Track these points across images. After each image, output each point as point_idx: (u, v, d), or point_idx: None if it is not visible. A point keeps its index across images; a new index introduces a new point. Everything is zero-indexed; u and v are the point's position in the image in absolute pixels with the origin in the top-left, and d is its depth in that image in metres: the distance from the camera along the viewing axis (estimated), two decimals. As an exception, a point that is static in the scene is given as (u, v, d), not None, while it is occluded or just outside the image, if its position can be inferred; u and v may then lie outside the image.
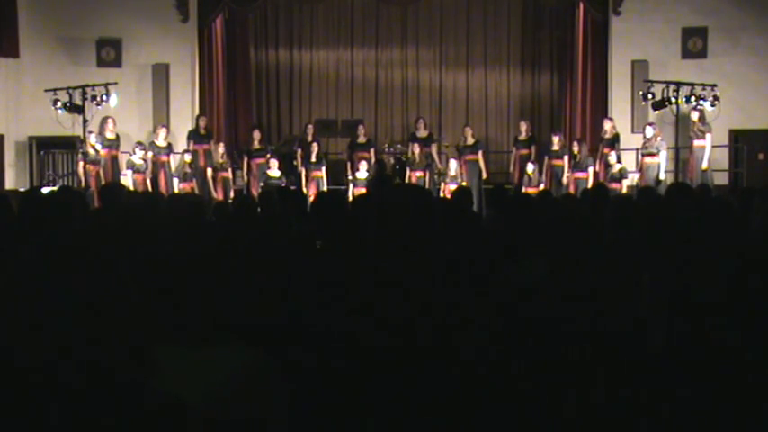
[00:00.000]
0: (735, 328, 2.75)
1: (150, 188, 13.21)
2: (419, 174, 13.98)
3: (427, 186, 13.37)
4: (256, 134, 14.47)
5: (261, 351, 1.85)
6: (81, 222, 4.96)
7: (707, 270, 3.02)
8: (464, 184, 12.95)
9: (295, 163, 14.42)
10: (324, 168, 14.15)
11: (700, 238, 3.58)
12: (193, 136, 14.28)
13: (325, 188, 13.70)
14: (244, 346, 1.81)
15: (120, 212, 5.36)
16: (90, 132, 13.28)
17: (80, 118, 13.09)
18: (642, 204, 5.61)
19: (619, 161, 13.38)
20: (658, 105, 13.53)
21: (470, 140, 14.38)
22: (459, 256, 3.20)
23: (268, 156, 14.12)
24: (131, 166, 13.44)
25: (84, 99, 13.05)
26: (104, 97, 13.40)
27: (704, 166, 13.15)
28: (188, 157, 13.68)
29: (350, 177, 14.04)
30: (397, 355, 2.29)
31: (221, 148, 14.09)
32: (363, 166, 13.78)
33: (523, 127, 14.66)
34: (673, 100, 13.07)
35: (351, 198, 13.27)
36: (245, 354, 1.80)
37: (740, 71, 14.59)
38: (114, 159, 13.70)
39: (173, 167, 13.95)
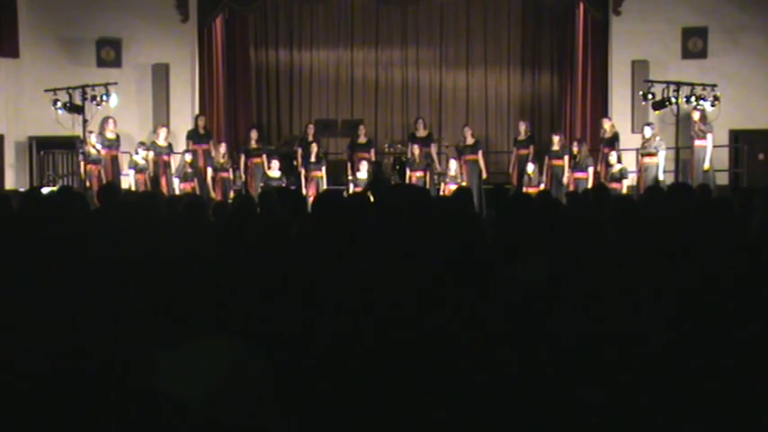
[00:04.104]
0: (735, 328, 2.75)
1: (151, 188, 13.22)
2: (419, 174, 13.98)
3: (427, 186, 13.37)
4: (254, 134, 14.48)
5: (259, 351, 1.85)
6: (81, 222, 4.96)
7: (707, 270, 3.02)
8: (464, 184, 12.96)
9: (295, 163, 14.42)
10: (324, 168, 14.15)
11: (700, 238, 3.58)
12: (193, 136, 14.28)
13: (324, 188, 13.69)
14: (243, 346, 1.81)
15: (120, 212, 5.36)
16: (91, 132, 13.29)
17: (80, 118, 13.08)
18: (649, 203, 5.61)
19: (619, 161, 13.39)
20: (658, 105, 13.53)
21: (470, 140, 14.37)
22: (458, 257, 3.20)
23: (265, 155, 14.12)
24: (134, 165, 13.45)
25: (84, 99, 13.04)
26: (104, 97, 13.39)
27: (706, 166, 13.16)
28: (189, 157, 13.69)
29: (350, 177, 14.03)
30: (397, 355, 2.29)
31: (223, 148, 14.09)
32: (364, 166, 13.78)
33: (522, 127, 14.66)
34: (673, 100, 13.06)
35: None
36: (244, 353, 1.80)
37: (740, 71, 14.59)
38: (114, 159, 13.72)
39: (174, 168, 13.96)
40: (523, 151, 14.37)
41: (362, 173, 13.73)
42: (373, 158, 14.45)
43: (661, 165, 13.27)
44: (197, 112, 15.08)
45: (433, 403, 2.26)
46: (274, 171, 13.75)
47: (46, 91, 13.40)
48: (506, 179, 14.79)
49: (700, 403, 2.58)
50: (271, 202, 6.18)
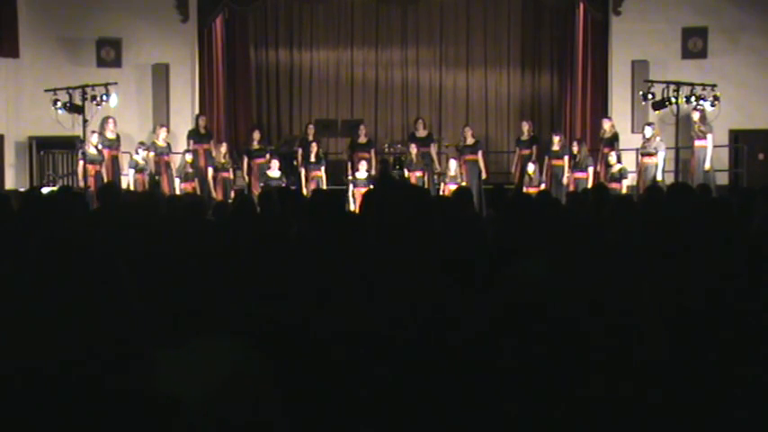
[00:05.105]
0: (735, 328, 2.75)
1: (147, 188, 13.22)
2: (418, 174, 13.98)
3: (426, 186, 13.36)
4: (256, 134, 14.48)
5: (259, 350, 1.85)
6: (81, 222, 4.96)
7: (707, 270, 3.02)
8: (464, 184, 12.95)
9: (295, 163, 14.42)
10: (323, 168, 14.16)
11: (700, 239, 3.58)
12: (193, 136, 14.29)
13: (323, 188, 13.67)
14: (242, 345, 1.81)
15: (120, 212, 5.36)
16: (93, 132, 13.29)
17: (80, 118, 13.09)
18: (648, 203, 5.60)
19: (619, 161, 13.38)
20: (658, 105, 13.53)
21: (470, 140, 14.38)
22: (458, 256, 3.20)
23: (268, 156, 14.12)
24: (135, 165, 13.45)
25: (84, 99, 13.04)
26: (104, 97, 13.39)
27: (707, 166, 13.15)
28: (189, 157, 13.69)
29: (350, 177, 14.04)
30: (396, 355, 2.29)
31: (224, 148, 14.09)
32: (363, 166, 13.77)
33: (525, 127, 14.68)
34: (673, 100, 13.06)
35: (352, 198, 13.35)
36: (243, 353, 1.80)
37: (740, 71, 14.59)
38: (114, 159, 13.71)
39: (174, 168, 13.96)
40: (526, 151, 14.37)
41: (362, 172, 13.73)
42: (373, 158, 14.45)
43: (660, 165, 13.26)
44: (197, 112, 15.08)
45: (432, 403, 2.26)
46: (274, 171, 13.75)
47: (46, 91, 13.40)
48: (506, 179, 14.79)
49: (700, 403, 2.58)
50: (271, 202, 6.18)
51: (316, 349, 2.34)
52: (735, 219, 4.76)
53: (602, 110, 15.20)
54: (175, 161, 14.13)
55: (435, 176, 14.29)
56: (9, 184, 14.75)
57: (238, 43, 16.64)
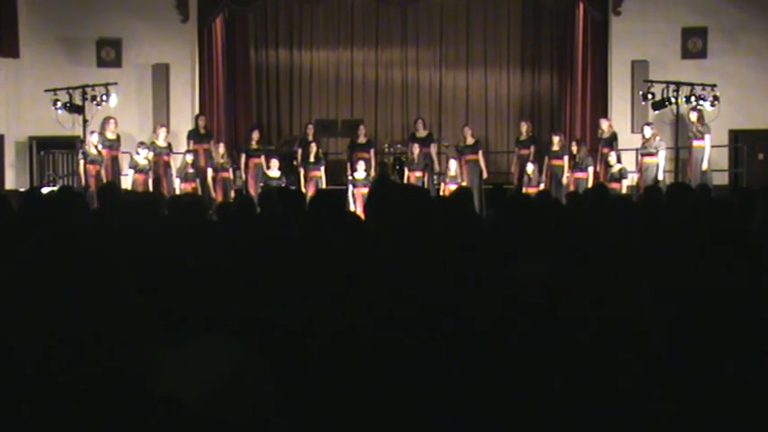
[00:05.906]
0: (735, 329, 2.75)
1: (151, 188, 13.23)
2: (418, 174, 13.99)
3: (426, 186, 13.37)
4: (255, 134, 14.48)
5: (258, 350, 1.86)
6: (81, 222, 4.97)
7: (707, 270, 3.03)
8: (464, 184, 12.96)
9: (295, 163, 14.43)
10: (322, 168, 14.16)
11: (699, 238, 3.58)
12: (193, 136, 14.29)
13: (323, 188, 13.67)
14: (242, 346, 1.82)
15: (121, 212, 5.36)
16: (93, 132, 13.29)
17: (80, 118, 13.09)
18: (647, 203, 5.61)
19: (619, 161, 13.39)
20: (658, 105, 13.54)
21: (470, 140, 14.39)
22: (458, 256, 3.21)
23: (263, 156, 14.13)
24: (135, 165, 13.45)
25: (84, 99, 13.05)
26: (104, 97, 13.40)
27: (704, 166, 13.16)
28: (189, 158, 13.70)
29: (350, 177, 14.05)
30: (395, 355, 2.30)
31: (221, 148, 14.10)
32: (362, 166, 13.78)
33: (524, 127, 14.70)
34: (673, 100, 13.07)
35: (352, 198, 13.37)
36: (243, 353, 1.80)
37: (740, 71, 14.60)
38: (115, 159, 13.71)
39: (174, 168, 13.96)
40: (525, 151, 14.38)
41: (360, 173, 13.73)
42: (372, 158, 14.46)
43: (661, 165, 13.28)
44: (197, 112, 15.09)
45: (431, 402, 2.26)
46: (274, 171, 13.76)
47: (46, 91, 13.41)
48: (506, 179, 14.80)
49: (699, 402, 2.59)
50: (271, 201, 6.18)
51: (316, 350, 2.35)
52: (734, 219, 4.76)
53: (601, 110, 15.21)
54: (176, 161, 14.13)
55: (435, 176, 14.30)
56: (9, 184, 14.75)
57: (238, 43, 16.65)
